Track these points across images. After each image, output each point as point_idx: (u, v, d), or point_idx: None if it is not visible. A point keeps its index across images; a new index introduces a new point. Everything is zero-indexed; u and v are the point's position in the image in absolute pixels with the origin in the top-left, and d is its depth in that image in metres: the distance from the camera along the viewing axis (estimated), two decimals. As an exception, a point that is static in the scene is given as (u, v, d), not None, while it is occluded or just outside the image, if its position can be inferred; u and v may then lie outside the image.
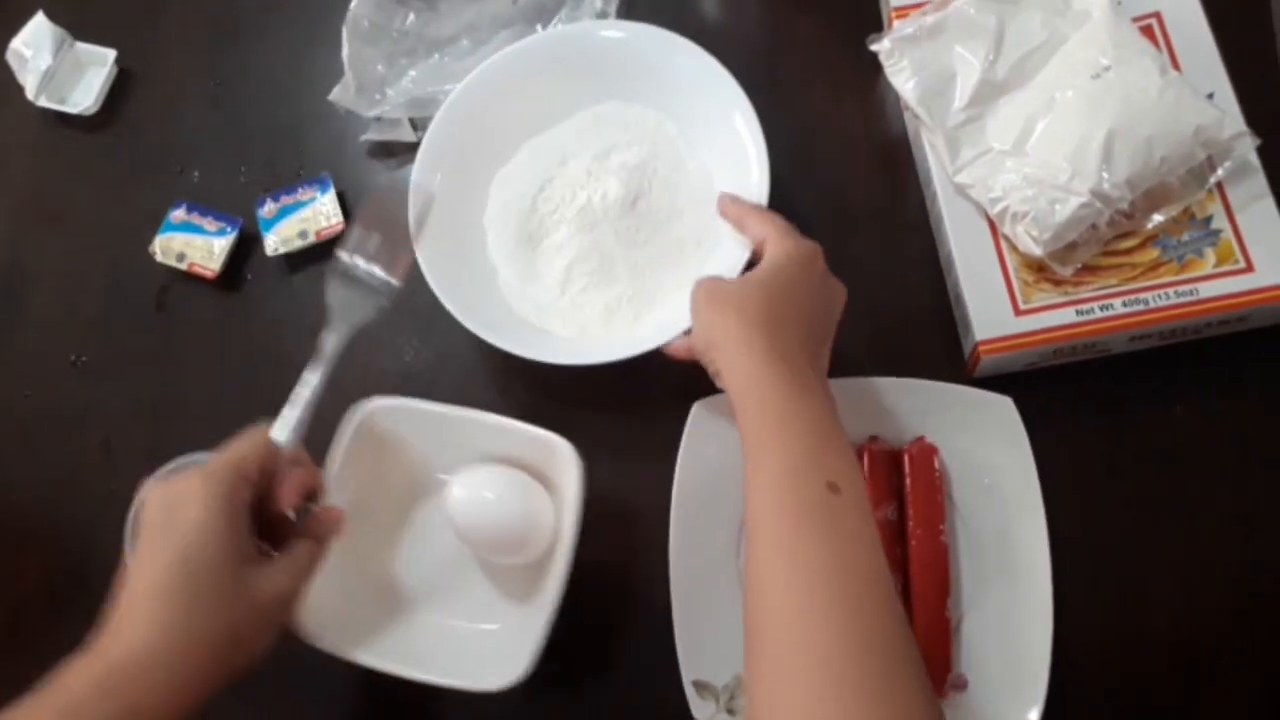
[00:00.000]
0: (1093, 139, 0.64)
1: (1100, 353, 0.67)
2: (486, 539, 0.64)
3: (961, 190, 0.69)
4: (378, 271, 0.64)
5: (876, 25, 0.76)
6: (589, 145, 0.75)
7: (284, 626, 0.56)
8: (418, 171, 0.72)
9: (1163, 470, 0.65)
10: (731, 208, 0.67)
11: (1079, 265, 0.66)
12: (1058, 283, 0.66)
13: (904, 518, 0.63)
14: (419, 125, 0.79)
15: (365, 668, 0.61)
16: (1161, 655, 0.62)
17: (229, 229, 0.78)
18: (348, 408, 0.65)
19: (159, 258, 0.78)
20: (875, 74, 0.74)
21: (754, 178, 0.68)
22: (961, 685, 0.61)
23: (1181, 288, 0.64)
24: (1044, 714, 0.58)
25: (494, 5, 0.81)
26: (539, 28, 0.79)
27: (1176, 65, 0.69)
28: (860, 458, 0.64)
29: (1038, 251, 0.65)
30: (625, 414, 0.71)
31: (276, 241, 0.77)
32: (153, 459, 0.71)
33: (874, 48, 0.72)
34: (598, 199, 0.72)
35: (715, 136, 0.72)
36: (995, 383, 0.65)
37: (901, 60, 0.71)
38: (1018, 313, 0.65)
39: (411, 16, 0.82)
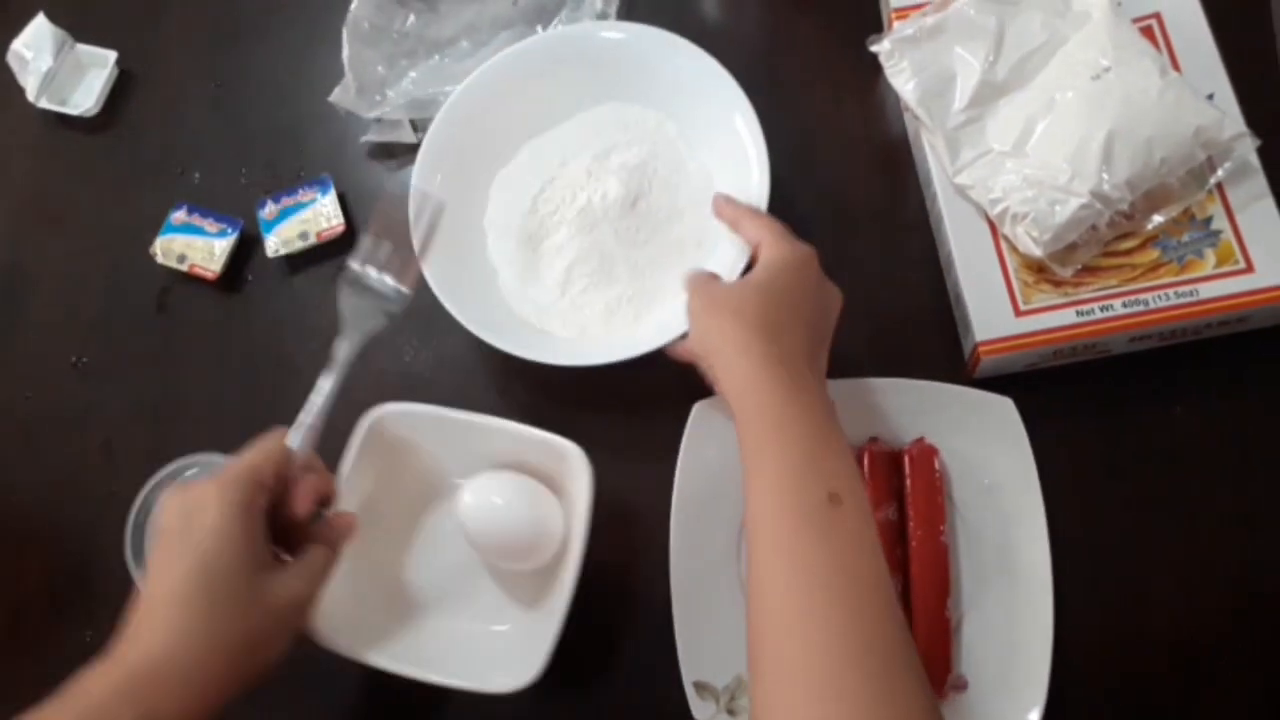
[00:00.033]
0: (1093, 140, 0.64)
1: (1100, 353, 0.67)
2: (495, 545, 0.64)
3: (961, 191, 0.69)
4: (389, 280, 0.65)
5: (876, 26, 0.76)
6: (589, 146, 0.75)
7: (299, 631, 0.56)
8: (418, 173, 0.72)
9: (1163, 470, 0.66)
10: (727, 209, 0.67)
11: (1079, 266, 0.66)
12: (1058, 283, 0.66)
13: (904, 518, 0.63)
14: (419, 126, 0.79)
15: (377, 670, 0.61)
16: (1161, 655, 0.62)
17: (230, 230, 0.78)
18: (347, 409, 0.65)
19: (160, 259, 0.78)
20: (875, 75, 0.74)
21: (754, 178, 0.68)
22: (961, 686, 0.61)
23: (1181, 288, 0.64)
24: (1044, 714, 0.58)
25: (494, 6, 0.81)
26: (539, 29, 0.79)
27: (1176, 66, 0.69)
28: (860, 459, 0.64)
29: (1038, 252, 0.65)
30: (625, 414, 0.71)
31: (277, 243, 0.77)
32: (153, 460, 0.71)
33: (874, 49, 0.72)
34: (598, 200, 0.73)
35: (715, 137, 0.72)
36: (995, 383, 0.65)
37: (901, 61, 0.71)
38: (1018, 313, 0.65)
39: (412, 18, 0.82)
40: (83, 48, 0.86)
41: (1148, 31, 0.70)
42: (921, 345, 0.70)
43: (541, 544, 0.63)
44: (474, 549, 0.65)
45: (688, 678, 0.61)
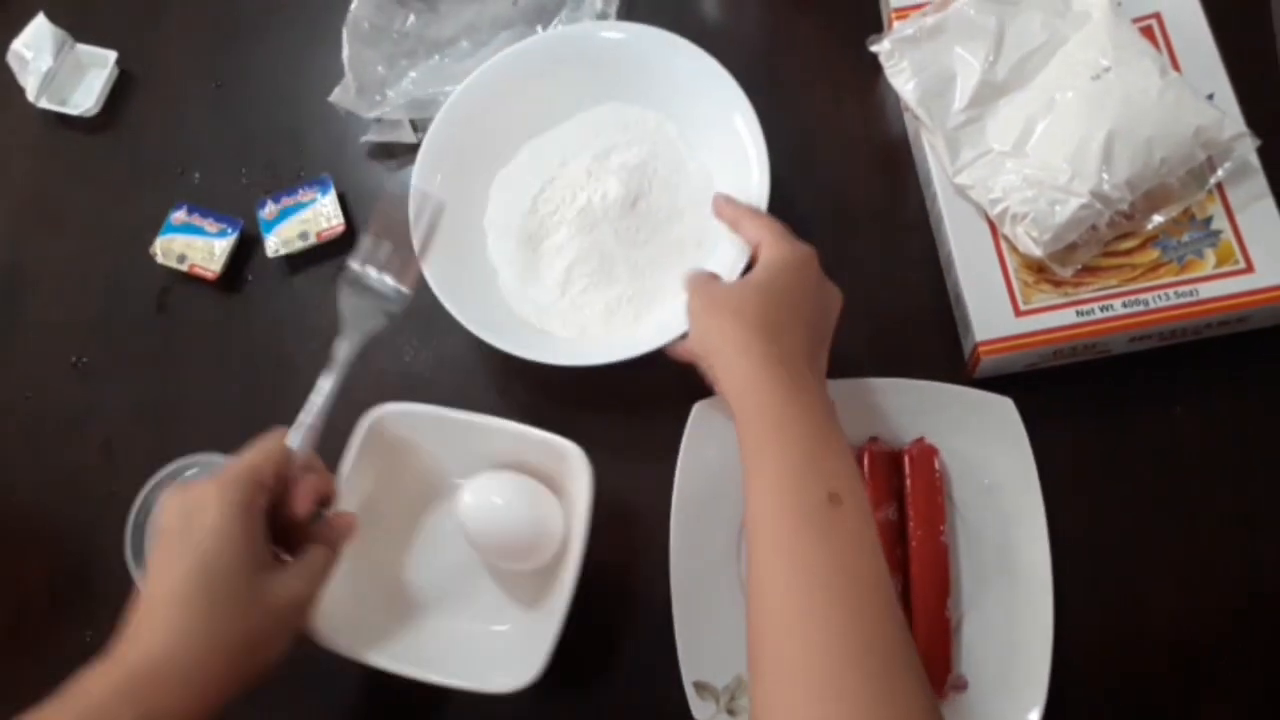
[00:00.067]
0: (1093, 140, 0.64)
1: (1100, 353, 0.67)
2: (495, 545, 0.64)
3: (961, 191, 0.69)
4: (389, 280, 0.65)
5: (876, 26, 0.76)
6: (589, 146, 0.75)
7: (299, 631, 0.56)
8: (418, 173, 0.72)
9: (1163, 470, 0.66)
10: (726, 209, 0.67)
11: (1079, 266, 0.66)
12: (1058, 283, 0.66)
13: (904, 518, 0.63)
14: (419, 126, 0.79)
15: (377, 670, 0.61)
16: (1161, 655, 0.62)
17: (230, 230, 0.78)
18: (347, 409, 0.65)
19: (160, 259, 0.78)
20: (875, 75, 0.74)
21: (754, 178, 0.68)
22: (961, 686, 0.61)
23: (1182, 288, 0.64)
24: (1044, 714, 0.58)
25: (494, 6, 0.81)
26: (539, 29, 0.79)
27: (1176, 66, 0.69)
28: (860, 459, 0.64)
29: (1038, 252, 0.65)
30: (625, 414, 0.71)
31: (277, 243, 0.77)
32: (153, 460, 0.71)
33: (874, 49, 0.72)
34: (598, 199, 0.73)
35: (715, 137, 0.72)
36: (995, 383, 0.65)
37: (901, 61, 0.71)
38: (1018, 313, 0.65)
39: (412, 18, 0.82)
40: (83, 48, 0.86)
41: (1148, 31, 0.70)
42: (921, 345, 0.70)
43: (541, 544, 0.63)
44: (474, 549, 0.65)
45: (688, 678, 0.61)
